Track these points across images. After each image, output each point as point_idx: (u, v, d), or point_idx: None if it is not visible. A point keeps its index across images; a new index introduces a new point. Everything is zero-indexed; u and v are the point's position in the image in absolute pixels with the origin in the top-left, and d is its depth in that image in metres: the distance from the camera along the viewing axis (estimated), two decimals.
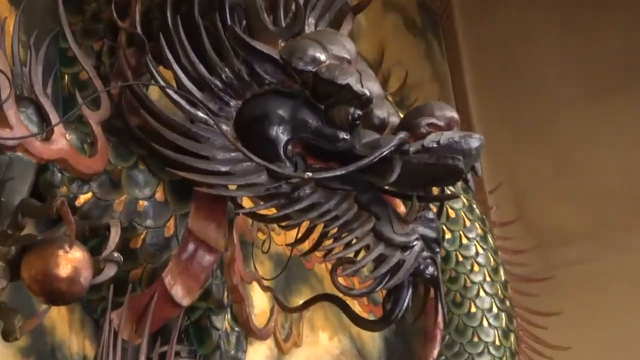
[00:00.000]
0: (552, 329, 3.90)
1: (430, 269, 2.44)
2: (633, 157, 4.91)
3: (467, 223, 3.68)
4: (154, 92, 2.52)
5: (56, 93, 2.45)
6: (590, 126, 4.89)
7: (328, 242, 2.49)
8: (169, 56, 2.45)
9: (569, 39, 5.16)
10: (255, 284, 2.95)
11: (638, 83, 5.02)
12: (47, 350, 2.47)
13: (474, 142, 2.40)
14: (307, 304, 2.89)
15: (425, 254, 2.43)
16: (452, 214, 3.62)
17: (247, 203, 2.60)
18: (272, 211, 2.48)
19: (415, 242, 2.42)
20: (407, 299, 2.45)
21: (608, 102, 4.95)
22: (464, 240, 3.63)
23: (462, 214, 3.67)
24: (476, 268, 3.60)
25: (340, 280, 2.49)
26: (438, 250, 2.49)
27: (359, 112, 2.44)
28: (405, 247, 2.41)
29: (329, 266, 2.56)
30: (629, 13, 5.16)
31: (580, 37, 5.16)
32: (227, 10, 2.53)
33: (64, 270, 2.15)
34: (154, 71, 2.45)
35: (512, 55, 5.06)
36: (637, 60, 5.06)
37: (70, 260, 2.16)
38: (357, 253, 2.43)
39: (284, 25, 2.57)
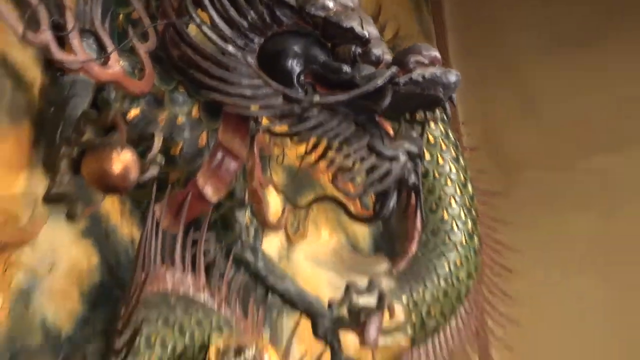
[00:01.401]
0: (507, 234, 3.92)
1: (413, 178, 2.43)
2: (589, 100, 4.85)
3: (444, 147, 3.69)
4: (191, 30, 2.50)
5: (112, 29, 2.40)
6: (554, 72, 4.83)
7: (330, 154, 2.47)
8: (206, 1, 2.42)
9: None
10: (271, 188, 2.93)
11: (598, 37, 4.92)
12: (102, 234, 2.47)
13: (453, 77, 2.39)
14: (313, 202, 2.90)
15: (409, 165, 2.42)
16: (431, 140, 3.63)
17: (265, 122, 2.60)
18: (285, 128, 2.47)
19: (401, 155, 2.40)
20: (392, 202, 2.44)
21: (569, 52, 4.88)
22: (440, 161, 3.65)
23: (440, 139, 3.68)
24: (449, 183, 3.62)
25: (337, 185, 2.53)
26: (420, 163, 2.47)
27: (359, 50, 2.43)
28: (393, 159, 2.39)
29: (331, 175, 2.58)
30: None
31: None
32: None
33: (116, 167, 2.19)
34: (192, 12, 2.43)
35: (490, 12, 5.00)
36: (600, 15, 4.91)
37: (121, 160, 2.20)
38: (353, 163, 2.41)
39: None
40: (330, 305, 2.84)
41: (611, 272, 4.61)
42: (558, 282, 4.59)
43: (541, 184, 4.70)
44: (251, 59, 2.42)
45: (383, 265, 3.44)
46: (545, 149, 4.77)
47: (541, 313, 4.25)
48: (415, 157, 2.45)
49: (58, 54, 2.16)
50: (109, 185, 2.23)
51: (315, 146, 2.52)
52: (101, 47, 2.28)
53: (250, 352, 2.52)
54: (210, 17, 2.43)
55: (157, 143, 2.34)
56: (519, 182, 4.63)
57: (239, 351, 2.54)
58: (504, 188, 4.19)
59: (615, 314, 4.53)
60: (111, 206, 2.49)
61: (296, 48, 2.46)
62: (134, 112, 2.39)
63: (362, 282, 2.93)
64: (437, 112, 2.73)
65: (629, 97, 4.75)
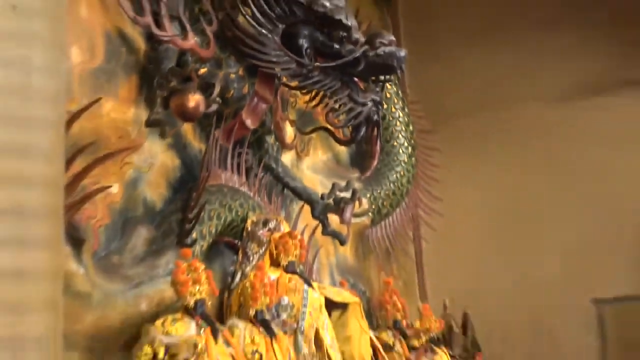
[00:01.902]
0: (436, 158, 3.89)
1: (375, 117, 2.41)
2: (497, 71, 4.55)
3: (395, 100, 3.63)
4: (239, 19, 2.46)
5: (190, 16, 2.34)
6: (473, 51, 4.55)
7: (325, 101, 2.45)
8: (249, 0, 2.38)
9: None
10: (287, 122, 2.90)
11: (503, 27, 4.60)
12: (182, 146, 2.43)
13: (402, 52, 2.38)
14: (313, 131, 2.90)
15: (373, 109, 2.40)
16: (387, 94, 3.55)
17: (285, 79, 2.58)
18: (296, 84, 2.46)
19: (369, 102, 2.38)
20: (362, 132, 2.42)
21: (481, 38, 4.58)
22: (393, 109, 3.59)
23: (393, 95, 3.61)
24: (398, 123, 3.56)
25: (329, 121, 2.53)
26: (380, 108, 2.44)
27: (344, 34, 2.40)
28: (364, 104, 2.38)
29: (325, 114, 2.56)
30: None
31: None
32: None
33: (190, 104, 2.17)
34: (241, 6, 2.39)
35: (429, 12, 4.77)
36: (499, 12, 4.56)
37: (194, 99, 2.18)
38: (339, 106, 2.40)
39: None
40: (322, 197, 2.81)
41: (506, 186, 4.38)
42: (469, 190, 4.36)
43: (459, 127, 4.44)
44: (277, 38, 2.38)
45: (355, 174, 3.41)
46: (464, 104, 4.49)
47: (456, 207, 4.05)
48: (377, 104, 2.42)
49: (156, 31, 2.15)
50: (186, 115, 2.22)
51: (315, 95, 2.50)
52: (183, 28, 2.24)
53: (272, 223, 2.50)
54: (251, 11, 2.39)
55: (217, 90, 2.33)
56: (446, 125, 4.36)
57: (265, 222, 2.52)
58: (434, 128, 4.06)
59: (506, 212, 4.34)
60: (187, 129, 2.45)
61: (305, 32, 2.42)
62: (202, 70, 2.33)
63: (342, 183, 2.90)
64: (392, 76, 2.72)
65: (521, 71, 4.47)
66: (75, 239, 1.89)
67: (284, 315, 2.29)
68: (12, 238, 1.21)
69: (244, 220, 2.49)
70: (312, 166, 3.32)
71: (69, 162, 1.80)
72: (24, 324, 1.20)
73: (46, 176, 1.29)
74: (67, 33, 1.90)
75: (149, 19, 2.11)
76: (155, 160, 2.30)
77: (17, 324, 1.19)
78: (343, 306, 2.66)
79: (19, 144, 1.25)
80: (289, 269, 2.39)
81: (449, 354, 2.99)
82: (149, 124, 2.27)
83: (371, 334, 2.74)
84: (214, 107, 2.32)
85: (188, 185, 2.35)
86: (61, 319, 1.30)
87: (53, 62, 1.33)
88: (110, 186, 2.07)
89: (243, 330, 2.06)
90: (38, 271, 1.24)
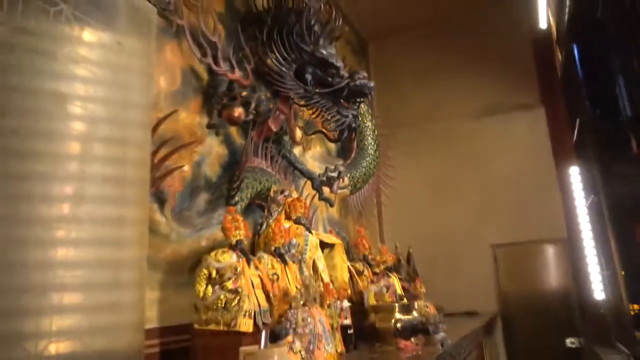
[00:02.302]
0: (394, 155, 3.73)
1: (354, 125, 2.37)
2: (431, 96, 4.46)
3: (367, 115, 3.49)
4: (269, 60, 2.41)
5: (237, 57, 2.28)
6: (416, 84, 4.49)
7: (322, 114, 2.39)
8: (274, 48, 2.34)
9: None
10: (297, 127, 2.83)
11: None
12: (229, 141, 2.37)
13: (371, 84, 2.34)
14: (313, 133, 2.86)
15: (353, 120, 2.36)
16: (362, 111, 3.40)
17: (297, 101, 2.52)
18: (303, 102, 2.40)
19: (350, 115, 2.35)
20: (345, 134, 2.37)
21: (428, 76, 4.49)
22: (365, 120, 3.43)
23: (365, 111, 3.48)
24: (367, 130, 3.40)
25: (324, 127, 2.47)
26: (357, 119, 2.39)
27: (334, 71, 2.36)
28: (347, 116, 2.34)
29: (321, 122, 2.51)
30: None
31: None
32: (294, 30, 2.38)
33: (236, 114, 2.16)
34: (268, 52, 2.34)
35: (388, 60, 4.69)
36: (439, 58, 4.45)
37: (238, 111, 2.17)
38: (330, 117, 2.35)
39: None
40: (318, 175, 2.77)
41: (436, 170, 4.32)
42: (413, 172, 4.32)
43: (408, 133, 4.39)
44: (291, 73, 2.35)
45: (340, 162, 3.30)
46: (410, 119, 4.46)
47: (404, 183, 3.98)
48: (355, 117, 2.39)
49: (214, 67, 2.12)
50: (232, 121, 2.20)
51: (315, 110, 2.45)
52: (231, 65, 2.22)
53: (286, 192, 2.43)
54: (275, 56, 2.35)
55: (252, 105, 2.29)
56: (399, 131, 4.31)
57: (282, 191, 2.45)
58: (391, 132, 3.96)
59: (435, 185, 4.30)
60: (233, 130, 2.40)
61: (309, 69, 2.37)
62: (244, 93, 2.29)
63: (332, 167, 2.86)
64: (365, 99, 2.68)
65: (448, 98, 4.36)
66: (161, 200, 1.89)
67: (293, 251, 2.26)
68: (116, 197, 1.18)
69: (269, 189, 2.45)
70: (313, 156, 3.26)
71: (156, 150, 1.80)
72: (122, 252, 1.17)
73: (138, 158, 1.27)
74: (156, 67, 1.90)
75: (209, 59, 2.09)
76: (212, 150, 2.26)
77: (117, 252, 1.16)
78: (331, 246, 2.64)
79: (122, 137, 1.22)
80: (297, 221, 2.36)
81: (398, 277, 2.98)
82: (209, 126, 2.24)
83: (348, 264, 2.72)
84: (250, 116, 2.30)
85: (233, 167, 2.32)
86: (146, 250, 1.28)
87: (146, 85, 1.31)
88: (183, 166, 2.04)
89: (267, 260, 2.03)
90: (133, 219, 1.22)
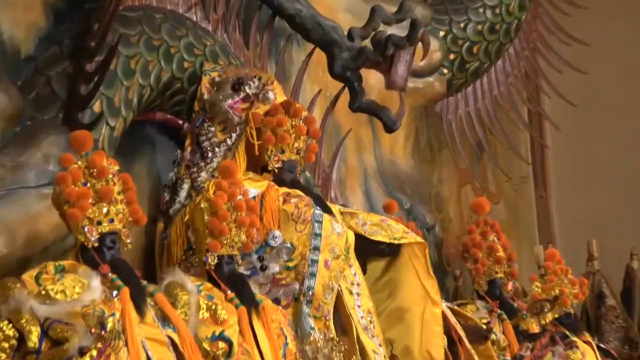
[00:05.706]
0: None
1: None
2: None
3: None
4: None
5: None
6: None
7: None
8: None
9: None
10: None
11: None
12: None
13: None
14: None
15: None
16: None
17: None
18: None
19: None
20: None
21: None
22: None
23: None
24: None
25: None
26: None
27: None
28: None
29: None
30: None
31: None
32: None
33: None
34: None
35: None
36: None
37: None
38: None
39: None
40: (350, 34, 1.09)
41: None
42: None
43: None
44: None
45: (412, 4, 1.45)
46: None
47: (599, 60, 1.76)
48: None
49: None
50: None
51: None
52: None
53: (253, 84, 0.98)
54: None
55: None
56: None
57: (239, 83, 1.01)
58: None
59: None
60: None
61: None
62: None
63: (391, 8, 1.12)
64: None
65: None
66: None
67: (276, 268, 0.93)
68: None
69: (196, 79, 1.06)
70: None
71: None
72: None
73: None
74: None
75: None
76: None
77: None
78: (391, 250, 1.07)
79: None
80: (286, 177, 0.98)
81: (599, 346, 1.12)
82: None
83: (444, 306, 1.11)
84: None
85: (83, 7, 0.95)
86: None
87: None
88: None
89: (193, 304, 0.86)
90: None
